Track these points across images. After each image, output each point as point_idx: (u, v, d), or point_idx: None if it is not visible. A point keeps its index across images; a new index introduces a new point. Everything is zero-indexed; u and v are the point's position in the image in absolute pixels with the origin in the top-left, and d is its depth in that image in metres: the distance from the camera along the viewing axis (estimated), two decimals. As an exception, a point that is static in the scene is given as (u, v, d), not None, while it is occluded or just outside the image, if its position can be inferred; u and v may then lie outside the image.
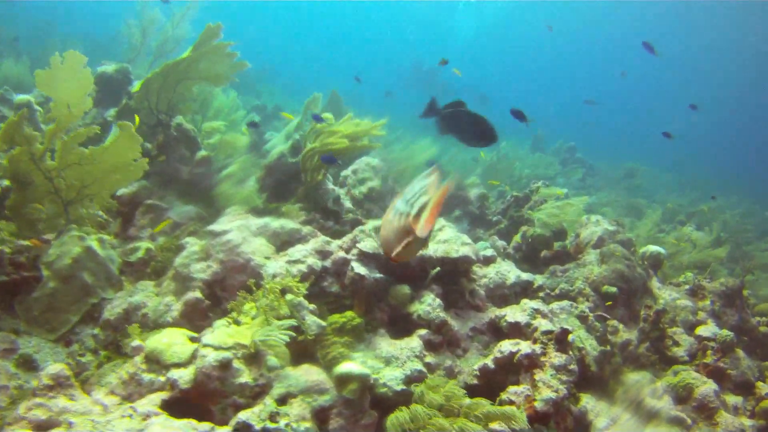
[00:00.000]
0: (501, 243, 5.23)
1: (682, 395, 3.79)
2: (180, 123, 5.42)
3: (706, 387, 3.76)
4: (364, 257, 3.34)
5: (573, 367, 2.78)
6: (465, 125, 2.60)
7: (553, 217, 4.79)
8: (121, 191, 4.47)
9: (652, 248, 5.06)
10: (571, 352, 2.90)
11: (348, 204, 4.96)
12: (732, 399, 3.98)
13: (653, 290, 4.71)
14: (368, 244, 3.35)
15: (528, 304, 3.39)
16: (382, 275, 3.32)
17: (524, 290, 3.84)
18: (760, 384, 4.16)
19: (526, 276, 3.81)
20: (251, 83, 13.86)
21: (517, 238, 5.21)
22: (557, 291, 4.51)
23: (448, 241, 3.52)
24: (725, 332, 4.26)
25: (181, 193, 5.08)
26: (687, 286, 4.86)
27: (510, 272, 3.81)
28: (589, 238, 5.09)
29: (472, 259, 3.40)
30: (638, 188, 13.31)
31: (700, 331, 4.42)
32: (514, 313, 3.29)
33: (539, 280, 4.67)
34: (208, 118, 7.97)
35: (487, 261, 3.88)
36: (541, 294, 4.47)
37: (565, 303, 4.07)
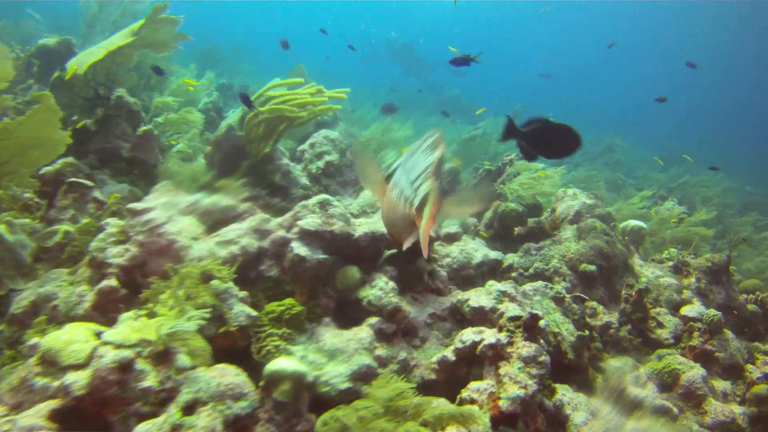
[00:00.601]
0: (471, 220, 4.82)
1: (667, 382, 3.43)
2: (121, 96, 4.92)
3: (693, 372, 3.41)
4: (307, 236, 2.90)
5: (544, 358, 2.38)
6: (551, 141, 2.31)
7: (527, 189, 4.39)
8: (44, 169, 3.97)
9: (633, 223, 4.69)
10: (542, 341, 2.49)
11: (304, 180, 4.51)
12: (720, 384, 3.63)
13: (635, 268, 4.34)
14: (311, 221, 2.91)
15: (494, 286, 2.97)
16: (327, 256, 2.88)
17: (492, 270, 3.43)
18: (749, 367, 3.82)
19: (494, 254, 3.40)
20: (231, 63, 13.26)
21: (488, 214, 4.80)
22: (531, 270, 4.11)
23: (404, 216, 3.09)
24: (712, 312, 3.91)
25: (120, 171, 4.59)
26: (671, 263, 4.50)
27: (477, 251, 3.40)
28: (566, 213, 4.70)
29: (431, 236, 2.98)
30: (618, 163, 13.00)
31: (686, 311, 4.07)
32: (478, 297, 2.88)
33: (511, 258, 4.27)
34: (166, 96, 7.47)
35: (451, 239, 3.47)
36: (514, 274, 4.07)
37: (539, 284, 3.67)
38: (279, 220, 3.08)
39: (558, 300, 3.68)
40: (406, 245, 1.44)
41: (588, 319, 3.82)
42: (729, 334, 3.91)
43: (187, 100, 7.56)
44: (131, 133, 4.82)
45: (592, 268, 3.99)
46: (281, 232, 2.99)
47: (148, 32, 4.40)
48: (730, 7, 27.38)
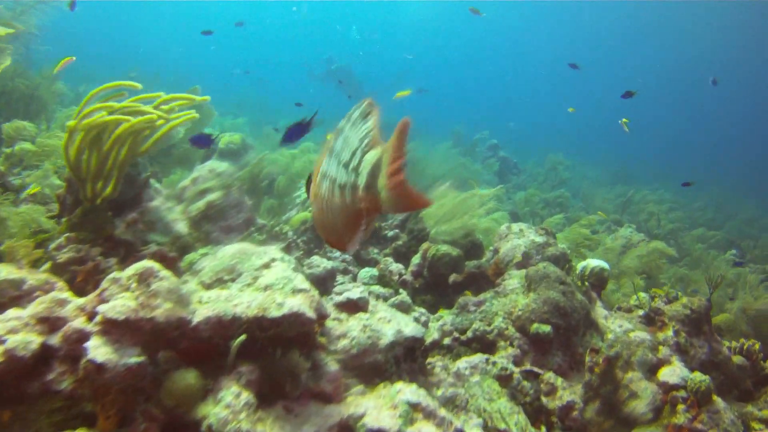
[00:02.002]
0: (396, 267, 3.88)
1: (653, 488, 2.53)
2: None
3: (686, 471, 2.52)
4: (113, 328, 1.87)
5: None
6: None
7: (450, 219, 3.49)
8: None
9: (593, 263, 3.83)
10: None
11: (181, 226, 3.49)
12: (718, 477, 2.76)
13: (598, 321, 3.46)
14: (119, 305, 1.88)
15: (402, 393, 1.97)
16: (142, 358, 1.85)
17: (411, 351, 2.46)
18: (749, 445, 2.98)
19: (410, 329, 2.43)
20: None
21: (415, 259, 3.87)
22: (469, 334, 3.18)
23: (271, 287, 2.09)
24: (698, 377, 3.05)
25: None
26: (641, 312, 3.65)
27: (388, 324, 2.43)
28: (511, 255, 3.81)
29: (307, 317, 1.99)
30: (564, 183, 12.45)
31: (665, 375, 3.19)
32: (378, 412, 1.88)
33: (445, 317, 3.35)
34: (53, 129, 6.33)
35: (352, 308, 2.49)
36: (447, 341, 3.13)
37: (477, 358, 2.74)
38: (81, 301, 2.04)
39: (504, 379, 2.75)
40: (351, 249, 1.05)
41: (544, 399, 2.90)
42: (720, 403, 3.05)
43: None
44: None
45: (547, 329, 3.08)
46: (79, 322, 1.95)
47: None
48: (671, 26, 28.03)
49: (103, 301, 1.96)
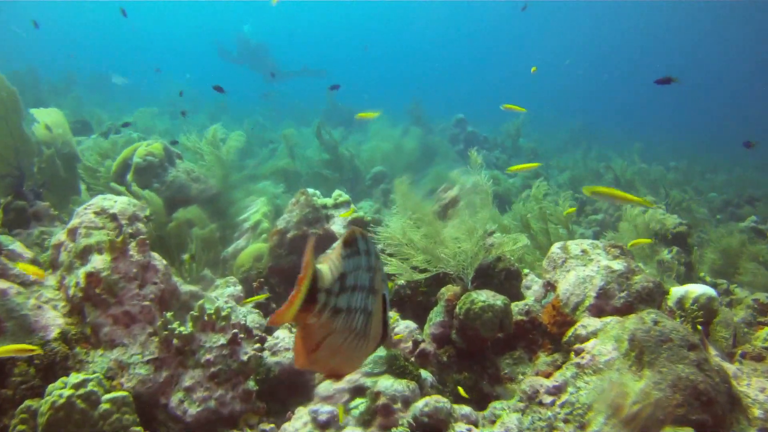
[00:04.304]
0: (405, 326, 2.54)
1: None
2: None
3: None
4: None
5: None
6: None
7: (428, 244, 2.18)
8: None
9: (696, 291, 2.58)
10: None
11: (53, 314, 2.09)
12: None
13: (741, 399, 2.22)
14: None
15: None
16: None
17: None
18: None
19: None
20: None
21: (435, 314, 2.55)
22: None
23: None
24: None
25: None
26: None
27: None
28: (580, 293, 2.52)
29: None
30: (533, 152, 11.36)
31: None
32: None
33: (504, 417, 2.06)
34: None
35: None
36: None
37: None
38: None
39: None
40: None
41: None
42: None
43: None
44: None
45: (689, 436, 1.81)
46: None
47: None
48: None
49: None
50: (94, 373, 1.86)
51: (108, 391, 1.75)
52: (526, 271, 3.12)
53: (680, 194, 7.09)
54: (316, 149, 7.90)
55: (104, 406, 1.66)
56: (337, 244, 0.95)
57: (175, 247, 3.53)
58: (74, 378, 1.67)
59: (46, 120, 4.91)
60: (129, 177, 4.44)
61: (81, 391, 1.64)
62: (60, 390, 1.62)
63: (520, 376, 2.51)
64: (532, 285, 3.04)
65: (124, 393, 1.74)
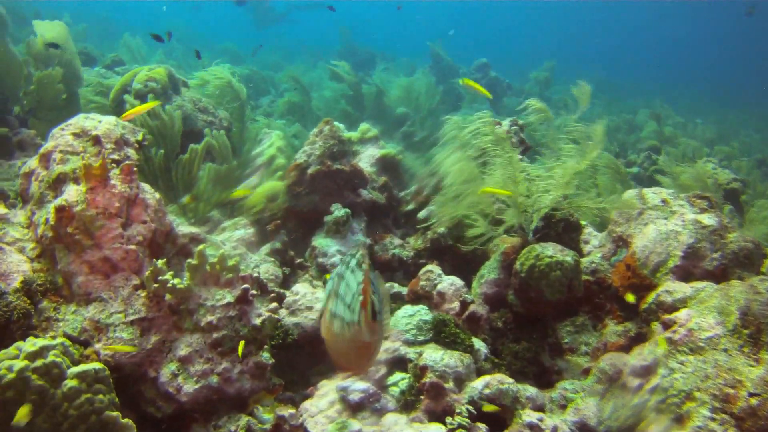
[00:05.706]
0: (450, 284, 2.12)
1: None
2: None
3: None
4: None
5: None
6: None
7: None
8: None
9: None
10: None
11: (17, 258, 1.66)
12: None
13: None
14: None
15: None
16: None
17: None
18: None
19: None
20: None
21: (487, 270, 2.12)
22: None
23: None
24: None
25: None
26: None
27: None
28: (663, 251, 2.08)
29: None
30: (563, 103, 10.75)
31: None
32: None
33: (579, 402, 1.65)
34: None
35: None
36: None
37: None
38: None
39: None
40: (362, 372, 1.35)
41: None
42: None
43: None
44: None
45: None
46: None
47: None
48: None
49: None
50: (59, 338, 1.44)
51: (77, 363, 1.34)
52: (583, 222, 2.68)
53: (728, 148, 6.52)
54: (332, 89, 7.37)
55: (70, 383, 1.25)
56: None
57: (182, 183, 3.07)
58: (30, 345, 1.26)
59: (49, 34, 4.35)
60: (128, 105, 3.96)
61: (39, 362, 1.23)
62: (10, 361, 1.20)
63: (583, 347, 2.10)
64: (591, 239, 2.60)
65: (98, 365, 1.33)
